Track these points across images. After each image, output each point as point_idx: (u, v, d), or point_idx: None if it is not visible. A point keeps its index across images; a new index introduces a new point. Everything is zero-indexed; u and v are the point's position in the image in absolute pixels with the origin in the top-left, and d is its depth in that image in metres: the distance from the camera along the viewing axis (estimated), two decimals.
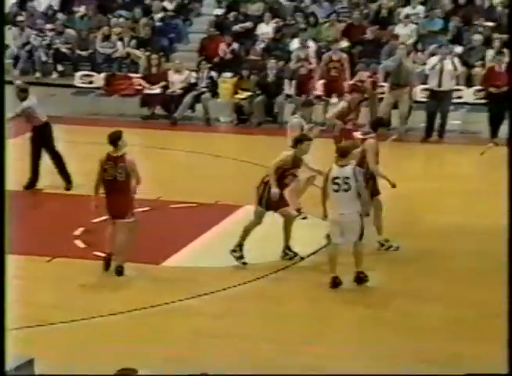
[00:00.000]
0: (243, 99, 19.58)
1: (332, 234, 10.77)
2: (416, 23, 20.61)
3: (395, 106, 18.20)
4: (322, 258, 11.52)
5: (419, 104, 18.60)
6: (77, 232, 12.36)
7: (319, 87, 19.56)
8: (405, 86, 18.18)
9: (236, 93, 19.71)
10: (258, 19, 21.54)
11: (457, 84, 18.79)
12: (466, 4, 20.85)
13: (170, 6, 22.68)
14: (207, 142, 17.99)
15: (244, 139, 18.40)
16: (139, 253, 11.58)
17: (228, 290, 10.54)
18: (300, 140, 11.62)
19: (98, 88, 21.04)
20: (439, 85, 18.09)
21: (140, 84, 20.32)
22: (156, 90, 20.06)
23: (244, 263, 11.34)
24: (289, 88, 19.40)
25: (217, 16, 22.10)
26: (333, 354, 8.99)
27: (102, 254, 11.29)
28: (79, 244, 12.03)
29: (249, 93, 19.55)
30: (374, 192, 11.70)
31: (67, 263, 11.33)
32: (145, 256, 11.51)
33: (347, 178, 10.48)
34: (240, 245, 11.39)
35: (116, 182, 10.85)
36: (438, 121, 18.19)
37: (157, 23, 22.18)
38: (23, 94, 14.34)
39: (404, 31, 20.37)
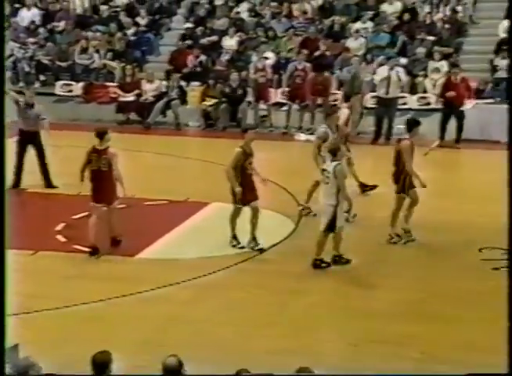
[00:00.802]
0: (210, 105, 19.59)
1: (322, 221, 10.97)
2: (366, 37, 20.69)
3: None
4: (282, 249, 11.55)
5: (368, 110, 18.71)
6: (59, 227, 12.27)
7: (279, 94, 19.64)
8: (357, 94, 18.31)
9: (204, 100, 19.72)
10: (223, 33, 21.52)
11: (402, 92, 18.91)
12: (410, 20, 20.95)
13: (142, 22, 22.59)
14: (178, 145, 17.94)
15: (211, 142, 18.36)
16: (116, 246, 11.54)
17: (197, 279, 10.50)
18: (245, 131, 11.82)
19: (77, 96, 20.95)
20: (386, 93, 18.21)
21: (115, 93, 20.26)
22: (131, 98, 20.00)
23: (242, 247, 11.46)
24: (251, 95, 19.41)
25: (185, 30, 22.04)
26: (291, 337, 8.99)
27: (83, 248, 11.29)
28: (60, 238, 11.94)
29: (215, 100, 19.55)
30: (410, 186, 11.64)
31: (50, 256, 11.25)
32: (121, 249, 11.48)
33: (329, 173, 10.67)
34: (234, 236, 11.54)
35: (100, 171, 11.19)
36: (385, 125, 18.31)
37: (131, 37, 22.08)
38: (33, 99, 14.37)
39: (354, 44, 20.46)
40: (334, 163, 10.75)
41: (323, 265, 10.85)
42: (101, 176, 11.21)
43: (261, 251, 11.47)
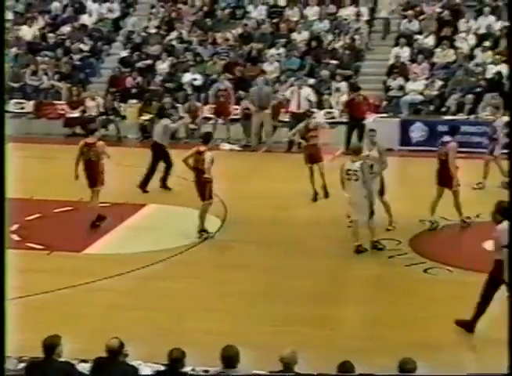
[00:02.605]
0: (146, 120, 19.38)
1: (351, 213, 10.98)
2: (279, 61, 20.76)
3: (262, 124, 18.31)
4: (212, 244, 11.47)
5: (283, 123, 18.72)
6: (13, 228, 11.91)
7: (205, 110, 19.57)
8: (266, 109, 18.35)
9: (141, 116, 19.50)
10: (156, 58, 21.31)
11: (311, 108, 18.98)
12: (316, 47, 21.10)
13: (86, 48, 22.20)
14: (119, 155, 17.51)
15: (147, 152, 17.98)
16: (64, 243, 11.28)
17: (137, 271, 10.33)
18: (209, 138, 11.88)
19: (28, 113, 20.47)
20: (298, 108, 18.27)
21: (63, 109, 19.88)
22: (76, 114, 19.67)
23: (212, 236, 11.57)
24: (182, 111, 19.27)
25: (126, 54, 21.78)
26: (222, 320, 8.92)
27: (35, 246, 11.02)
28: (15, 237, 11.59)
29: (151, 115, 19.36)
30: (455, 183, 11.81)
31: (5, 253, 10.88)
32: (69, 246, 11.21)
33: (356, 171, 10.74)
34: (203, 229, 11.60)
35: (90, 161, 11.88)
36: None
37: (76, 62, 21.70)
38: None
39: (270, 68, 20.49)
40: (360, 162, 10.76)
41: (362, 249, 10.86)
42: (91, 165, 11.82)
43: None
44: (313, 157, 13.58)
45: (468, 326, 8.43)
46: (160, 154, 14.46)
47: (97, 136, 12.30)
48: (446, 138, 12.20)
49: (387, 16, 20.52)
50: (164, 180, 14.38)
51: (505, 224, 8.03)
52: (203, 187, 11.48)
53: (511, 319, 5.65)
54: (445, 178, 11.82)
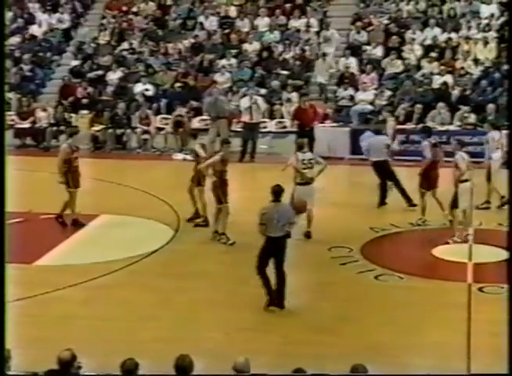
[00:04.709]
0: (98, 130, 19.23)
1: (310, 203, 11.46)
2: (231, 72, 20.82)
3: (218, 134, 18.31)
4: (164, 253, 11.41)
5: (236, 133, 18.75)
6: None
7: (158, 121, 19.50)
8: (222, 118, 18.36)
9: (93, 126, 19.34)
10: (108, 68, 21.17)
11: (263, 118, 19.08)
12: (267, 57, 21.22)
13: (36, 58, 21.94)
14: None
15: (99, 163, 17.93)
16: (15, 255, 11.02)
17: (90, 281, 10.22)
18: (226, 142, 12.13)
19: None
20: (250, 119, 18.34)
21: (13, 120, 19.59)
22: (26, 125, 19.40)
23: (231, 243, 11.56)
24: (134, 122, 19.17)
25: (74, 66, 21.57)
26: (174, 328, 8.89)
27: None
28: None
29: (103, 126, 19.21)
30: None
31: None
32: (20, 257, 10.97)
33: (311, 159, 11.69)
34: (223, 233, 11.64)
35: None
36: (250, 145, 18.39)
37: (26, 72, 21.41)
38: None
39: (221, 78, 20.53)
40: (309, 152, 11.98)
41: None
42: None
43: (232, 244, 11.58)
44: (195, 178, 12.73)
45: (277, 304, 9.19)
46: (385, 172, 13.69)
47: (68, 142, 12.92)
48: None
49: (323, 81, 20.62)
50: (406, 196, 13.47)
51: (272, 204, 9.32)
52: (214, 191, 11.65)
53: (511, 320, 5.57)
54: (435, 180, 12.36)
